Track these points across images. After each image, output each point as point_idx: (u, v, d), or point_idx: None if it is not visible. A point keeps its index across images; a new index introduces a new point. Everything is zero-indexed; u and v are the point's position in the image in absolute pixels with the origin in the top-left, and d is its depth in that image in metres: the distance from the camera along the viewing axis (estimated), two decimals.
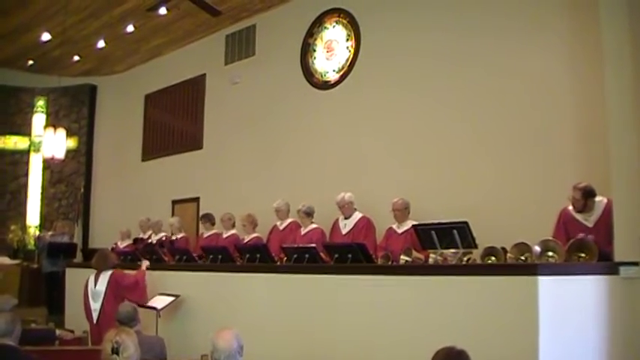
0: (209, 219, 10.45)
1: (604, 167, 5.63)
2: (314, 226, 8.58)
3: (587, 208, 6.17)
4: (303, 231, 8.64)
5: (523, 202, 7.41)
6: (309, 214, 8.63)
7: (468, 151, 8.20)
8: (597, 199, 6.13)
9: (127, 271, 7.80)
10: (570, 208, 6.30)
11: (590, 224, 6.12)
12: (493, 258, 5.78)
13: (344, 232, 8.21)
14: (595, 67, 6.16)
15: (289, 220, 9.14)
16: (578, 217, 6.23)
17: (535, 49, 7.69)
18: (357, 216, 8.24)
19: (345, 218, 8.29)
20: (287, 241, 8.38)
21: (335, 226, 8.41)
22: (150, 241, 10.79)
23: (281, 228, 9.15)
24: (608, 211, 5.76)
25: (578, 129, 7.18)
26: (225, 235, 9.82)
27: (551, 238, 5.85)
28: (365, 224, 8.16)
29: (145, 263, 8.17)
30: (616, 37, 5.37)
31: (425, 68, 8.86)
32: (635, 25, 5.26)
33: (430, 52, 8.81)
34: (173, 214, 12.49)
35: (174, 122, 13.53)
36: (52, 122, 14.12)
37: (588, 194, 6.14)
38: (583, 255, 5.44)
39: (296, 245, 7.68)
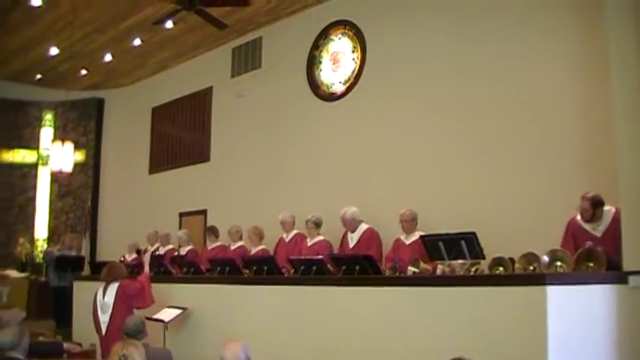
0: (213, 232, 10.47)
1: (611, 176, 5.61)
2: (320, 237, 8.56)
3: (595, 218, 6.15)
4: (309, 242, 8.63)
5: (531, 212, 7.38)
6: (318, 224, 8.62)
7: (475, 161, 8.19)
8: (605, 208, 6.11)
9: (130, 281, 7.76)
10: (578, 217, 6.28)
11: (598, 234, 6.10)
12: (501, 268, 5.75)
13: (351, 245, 8.18)
14: (601, 74, 6.16)
15: (294, 232, 9.13)
16: (587, 226, 6.21)
17: (541, 58, 7.69)
18: (362, 228, 8.21)
19: (352, 232, 8.27)
20: (293, 253, 8.36)
21: (344, 240, 8.39)
22: (157, 253, 10.78)
23: (287, 240, 9.14)
24: (616, 221, 5.73)
25: (585, 138, 7.17)
26: (232, 248, 9.82)
27: (559, 247, 5.83)
28: (369, 235, 8.13)
29: (147, 257, 8.13)
30: (622, 43, 5.36)
31: (431, 79, 8.86)
32: None
33: (436, 63, 8.82)
34: (180, 227, 12.52)
35: (182, 135, 13.57)
36: (60, 136, 14.18)
37: (597, 204, 6.12)
38: (591, 264, 5.41)
39: (303, 257, 7.67)
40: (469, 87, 8.38)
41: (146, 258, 8.11)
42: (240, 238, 9.87)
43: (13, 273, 13.69)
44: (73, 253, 12.64)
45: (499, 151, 7.96)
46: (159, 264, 9.46)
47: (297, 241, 8.96)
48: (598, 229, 6.14)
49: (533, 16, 7.81)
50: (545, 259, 5.47)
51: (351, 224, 8.20)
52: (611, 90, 5.51)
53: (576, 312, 4.72)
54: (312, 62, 10.77)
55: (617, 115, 5.42)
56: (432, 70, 8.87)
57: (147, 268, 7.91)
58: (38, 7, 10.72)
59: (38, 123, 15.69)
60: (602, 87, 6.21)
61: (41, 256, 14.57)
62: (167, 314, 7.82)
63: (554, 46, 7.59)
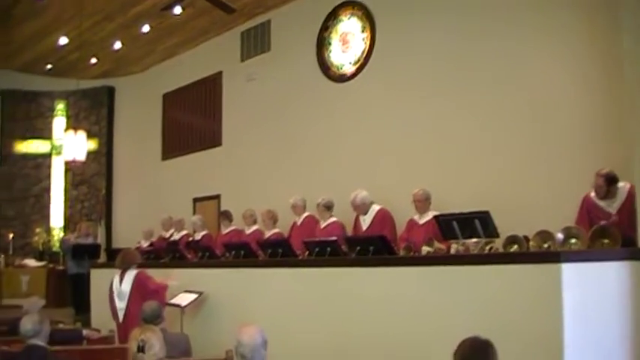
0: (227, 216, 10.51)
1: (625, 152, 5.59)
2: (333, 219, 8.57)
3: (610, 195, 6.13)
4: (322, 225, 8.64)
5: (545, 190, 7.35)
6: (329, 207, 8.63)
7: (487, 139, 8.14)
8: (620, 184, 6.09)
9: (150, 275, 7.78)
10: (593, 194, 6.26)
11: (613, 210, 6.09)
12: (515, 246, 5.75)
13: (365, 227, 8.17)
14: (615, 54, 6.09)
15: (305, 215, 9.15)
16: (601, 203, 6.19)
17: (553, 39, 7.62)
18: (374, 209, 8.19)
19: (364, 214, 8.26)
20: (305, 235, 8.36)
21: (357, 223, 8.38)
22: (172, 239, 10.85)
23: (299, 223, 9.16)
24: (631, 197, 5.70)
25: (598, 114, 7.11)
26: (247, 232, 9.85)
27: (573, 225, 5.82)
28: (382, 216, 8.11)
29: (174, 278, 8.05)
30: (636, 26, 5.30)
31: (440, 59, 8.80)
32: None
33: (447, 42, 8.75)
34: (194, 212, 12.56)
35: (193, 120, 13.58)
36: (73, 125, 14.24)
37: (611, 180, 6.10)
38: (606, 241, 5.40)
39: (317, 239, 7.68)
40: (481, 65, 8.31)
41: (171, 281, 8.03)
42: (255, 222, 9.89)
43: (31, 262, 13.85)
44: (90, 240, 12.75)
45: (512, 129, 7.91)
46: (174, 250, 9.53)
47: (309, 224, 8.97)
48: (612, 206, 6.12)
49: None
50: (560, 236, 5.47)
51: (361, 208, 8.19)
52: (624, 68, 5.46)
53: (591, 289, 4.71)
54: (322, 44, 10.72)
55: (631, 91, 5.38)
56: (443, 49, 8.80)
57: (169, 283, 7.85)
58: None
59: (50, 113, 15.77)
60: (615, 64, 6.15)
61: (58, 244, 14.69)
62: (183, 299, 7.88)
63: (565, 28, 7.51)
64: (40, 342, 4.68)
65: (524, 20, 7.91)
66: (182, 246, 10.01)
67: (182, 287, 8.06)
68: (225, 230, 10.39)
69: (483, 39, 8.32)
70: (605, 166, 6.18)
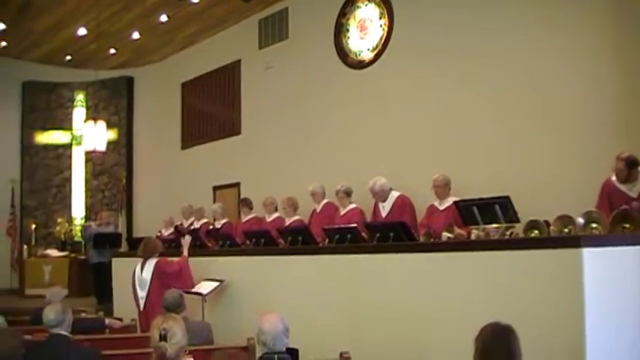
0: (247, 203, 10.52)
1: None
2: (353, 206, 8.56)
3: (631, 178, 6.08)
4: (342, 211, 8.63)
5: (565, 175, 7.31)
6: (348, 193, 8.61)
7: (508, 125, 8.09)
8: None
9: (170, 259, 7.86)
10: (614, 178, 6.21)
11: (634, 194, 6.04)
12: (536, 231, 5.72)
13: (384, 214, 8.14)
14: (636, 38, 6.02)
15: (324, 202, 9.15)
16: (622, 187, 6.14)
17: (574, 21, 7.54)
18: (393, 196, 8.15)
19: (383, 201, 8.24)
20: (325, 222, 8.36)
21: (376, 209, 8.36)
22: (192, 227, 10.90)
23: (318, 211, 9.17)
24: None
25: (619, 99, 7.05)
26: (268, 219, 9.87)
27: (594, 209, 5.77)
28: (401, 202, 8.07)
29: (187, 241, 8.16)
30: None
31: (460, 43, 8.74)
32: None
33: (465, 26, 8.69)
34: (214, 201, 12.62)
35: (212, 109, 13.62)
36: (92, 115, 14.37)
37: (632, 164, 6.05)
38: (627, 226, 5.35)
39: (337, 226, 7.68)
40: (500, 49, 8.26)
41: (185, 242, 8.15)
42: (276, 210, 9.90)
43: (53, 252, 14.01)
44: (111, 229, 12.85)
45: (532, 114, 7.86)
46: (195, 238, 9.57)
47: (329, 211, 8.97)
48: (633, 190, 6.07)
49: None
50: (581, 221, 5.42)
51: (380, 195, 8.15)
52: None
53: (612, 274, 4.67)
54: (340, 30, 10.69)
55: None
56: (460, 34, 8.75)
57: (185, 252, 7.95)
58: None
59: (70, 104, 15.91)
60: (636, 48, 6.10)
61: (80, 233, 14.83)
62: (205, 287, 7.91)
63: (585, 15, 7.43)
64: (62, 331, 4.72)
65: (541, 10, 7.83)
66: (203, 234, 10.04)
67: (204, 275, 8.11)
68: (245, 218, 10.42)
69: (503, 25, 8.25)
70: (625, 150, 6.12)
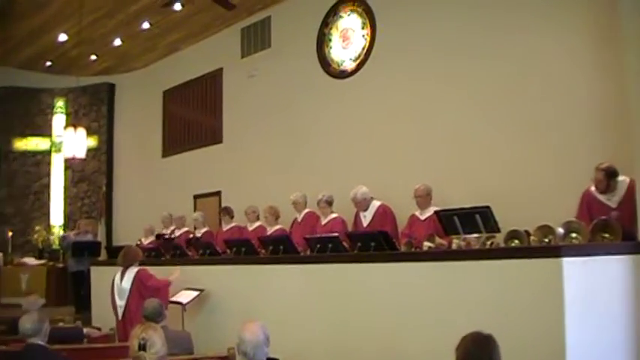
0: (228, 212, 10.50)
1: (626, 147, 5.58)
2: (334, 215, 8.56)
3: (610, 189, 6.12)
4: (323, 221, 8.63)
5: (545, 185, 7.34)
6: (330, 202, 8.61)
7: (488, 135, 8.14)
8: (620, 179, 6.08)
9: (152, 272, 7.75)
10: (593, 189, 6.25)
11: (613, 204, 6.07)
12: (517, 241, 5.76)
13: (365, 224, 8.16)
14: (615, 47, 6.09)
15: (305, 211, 9.14)
16: (602, 197, 6.18)
17: (554, 31, 7.60)
18: (374, 205, 8.18)
19: (364, 211, 8.25)
20: (306, 232, 8.35)
21: (357, 219, 8.38)
22: (173, 236, 10.84)
23: (299, 220, 9.16)
24: (631, 191, 5.69)
25: (599, 109, 7.10)
26: (250, 228, 9.84)
27: (574, 219, 5.81)
28: (383, 212, 8.10)
29: (176, 274, 8.01)
30: (634, 16, 5.29)
31: (442, 53, 8.79)
32: None
33: (447, 37, 8.74)
34: (195, 209, 12.56)
35: (194, 117, 13.58)
36: (72, 122, 14.22)
37: (611, 174, 6.09)
38: (607, 235, 5.40)
39: (318, 235, 7.68)
40: (480, 61, 8.30)
41: (175, 277, 7.98)
42: (257, 219, 9.89)
43: (31, 260, 13.83)
44: (89, 237, 12.74)
45: (512, 124, 7.90)
46: (175, 246, 9.52)
47: (310, 220, 8.97)
48: (613, 200, 6.11)
49: None
50: (561, 230, 5.46)
51: (362, 204, 8.17)
52: (625, 61, 5.45)
53: (592, 283, 4.70)
54: (322, 40, 10.71)
55: (630, 85, 5.36)
56: (442, 45, 8.79)
57: (171, 279, 7.78)
58: None
59: (50, 110, 15.78)
60: (616, 57, 6.15)
61: (58, 242, 14.69)
62: (185, 296, 7.87)
63: (568, 18, 7.50)
64: (39, 341, 4.66)
65: (526, 15, 7.90)
66: (183, 243, 9.99)
67: (184, 284, 8.06)
68: (226, 227, 10.38)
69: (484, 35, 8.30)
70: (605, 161, 6.17)
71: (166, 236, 10.71)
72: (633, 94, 5.33)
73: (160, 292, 7.39)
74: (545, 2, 7.71)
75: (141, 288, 7.38)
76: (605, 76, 6.99)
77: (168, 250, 9.52)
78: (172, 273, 8.00)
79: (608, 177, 6.10)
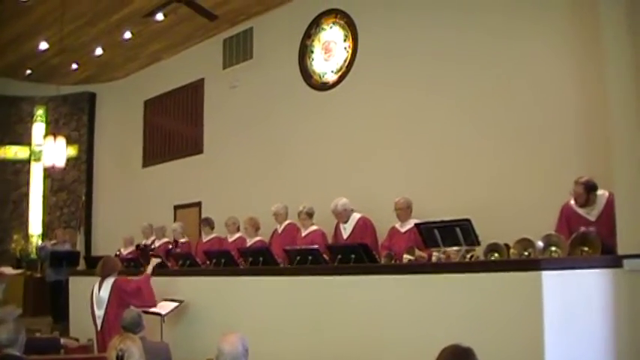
0: (208, 223, 10.45)
1: (605, 161, 5.64)
2: (314, 227, 8.55)
3: (589, 202, 6.16)
4: (303, 233, 8.62)
5: (525, 198, 7.39)
6: (310, 214, 8.60)
7: (469, 148, 8.18)
8: (599, 192, 6.13)
9: (130, 278, 7.73)
10: (572, 202, 6.29)
11: (592, 218, 6.12)
12: (496, 254, 5.78)
13: (345, 236, 8.17)
14: (597, 63, 6.15)
15: (286, 223, 9.13)
16: (581, 211, 6.22)
17: (536, 46, 7.67)
18: (354, 217, 8.20)
19: (344, 223, 8.26)
20: (286, 243, 8.33)
21: (337, 231, 8.39)
22: (153, 246, 10.78)
23: (279, 231, 9.14)
24: (610, 205, 5.74)
25: (579, 124, 7.17)
26: (230, 239, 9.81)
27: (553, 232, 5.85)
28: (363, 224, 8.13)
29: (154, 262, 8.05)
30: (616, 32, 5.36)
31: (423, 67, 8.85)
32: (634, 22, 5.25)
33: (428, 50, 8.80)
34: (175, 220, 12.50)
35: (175, 127, 13.53)
36: (52, 131, 14.09)
37: (590, 188, 6.14)
38: (586, 249, 5.44)
39: (298, 247, 7.67)
40: (463, 74, 8.37)
41: (152, 262, 8.01)
42: (238, 230, 9.85)
43: (8, 270, 13.63)
44: (67, 247, 12.62)
45: (493, 139, 7.96)
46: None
47: (290, 231, 8.95)
48: (592, 214, 6.15)
49: (528, 6, 7.78)
50: (540, 244, 5.49)
51: (342, 215, 8.19)
52: (606, 76, 5.51)
53: (572, 296, 4.73)
54: (304, 52, 10.74)
55: (610, 100, 5.42)
56: (424, 57, 8.85)
57: (149, 270, 7.82)
58: (27, 1, 10.65)
59: (30, 118, 15.64)
60: (597, 73, 6.21)
61: (35, 251, 14.55)
62: (164, 307, 7.82)
63: (550, 35, 7.57)
64: (15, 352, 4.60)
65: (509, 30, 7.97)
66: (163, 253, 9.93)
67: (163, 295, 8.00)
68: (206, 238, 10.34)
69: (466, 50, 8.36)
70: (584, 174, 6.22)
71: (151, 247, 10.65)
72: (613, 109, 5.39)
73: (143, 291, 7.38)
74: (530, 17, 7.77)
75: (121, 295, 7.29)
76: (585, 91, 7.06)
77: (147, 261, 9.44)
78: (148, 265, 7.99)
79: (587, 191, 6.14)
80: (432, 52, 8.74)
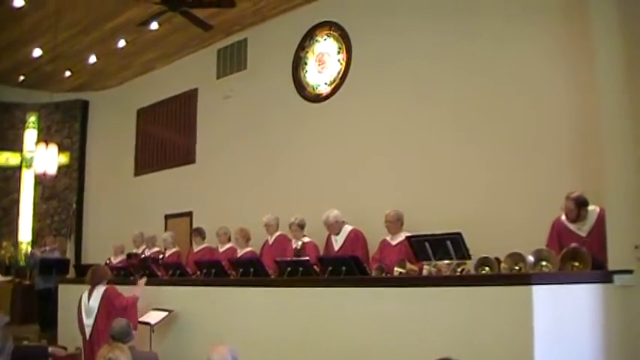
0: (199, 233, 10.44)
1: (596, 176, 5.67)
2: (306, 239, 8.53)
3: (580, 218, 6.19)
4: (295, 244, 8.59)
5: (516, 213, 7.41)
6: (302, 226, 8.59)
7: (461, 161, 8.20)
8: (590, 208, 6.16)
9: (120, 291, 7.63)
10: (563, 217, 6.32)
11: (583, 233, 6.14)
12: (487, 268, 5.78)
13: (336, 248, 8.17)
14: (590, 75, 6.17)
15: (277, 234, 9.12)
16: (572, 226, 6.24)
17: (529, 56, 7.71)
18: (346, 230, 8.21)
19: (336, 235, 8.25)
20: (277, 254, 8.31)
21: (328, 242, 8.38)
22: (143, 256, 10.73)
23: (270, 242, 9.12)
24: (601, 220, 5.76)
25: (571, 139, 7.20)
26: (221, 250, 9.78)
27: (544, 247, 5.85)
28: (354, 236, 8.13)
29: (142, 282, 8.02)
30: (608, 43, 5.40)
31: (416, 80, 8.88)
32: (626, 26, 5.28)
33: (421, 63, 8.83)
34: (166, 229, 12.46)
35: (167, 136, 13.52)
36: (44, 138, 14.05)
37: (581, 204, 6.16)
38: (577, 264, 5.45)
39: (289, 259, 7.66)
40: (456, 87, 8.40)
41: (140, 284, 7.95)
42: (229, 240, 9.83)
43: None
44: (56, 255, 12.56)
45: (484, 152, 7.98)
46: (145, 267, 9.41)
47: (280, 242, 8.95)
48: (583, 229, 6.17)
49: (521, 14, 7.82)
50: (531, 258, 5.50)
51: (334, 227, 8.19)
52: (597, 91, 5.54)
53: (562, 311, 4.74)
54: (298, 63, 10.76)
55: (602, 115, 5.46)
56: (417, 71, 8.89)
57: (137, 293, 7.72)
58: (21, 7, 10.63)
59: (22, 125, 15.58)
60: (588, 87, 6.25)
61: (24, 259, 14.47)
62: (153, 317, 7.78)
63: (543, 44, 7.60)
64: None
65: (501, 41, 8.01)
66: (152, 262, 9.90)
67: (153, 305, 7.97)
68: (197, 248, 10.31)
69: (458, 66, 8.40)
70: (576, 190, 6.24)
71: (144, 256, 10.59)
72: (605, 124, 5.42)
73: (128, 312, 7.29)
74: (523, 26, 7.80)
75: (109, 306, 7.27)
76: (577, 106, 7.10)
77: (137, 270, 9.41)
78: (138, 286, 7.93)
79: (578, 206, 6.17)
80: (426, 65, 8.78)
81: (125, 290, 7.77)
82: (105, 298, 7.31)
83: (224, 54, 12.16)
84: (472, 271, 5.90)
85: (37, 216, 15.38)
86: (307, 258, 7.20)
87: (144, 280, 8.10)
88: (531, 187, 7.42)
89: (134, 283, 8.03)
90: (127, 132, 14.48)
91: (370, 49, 9.62)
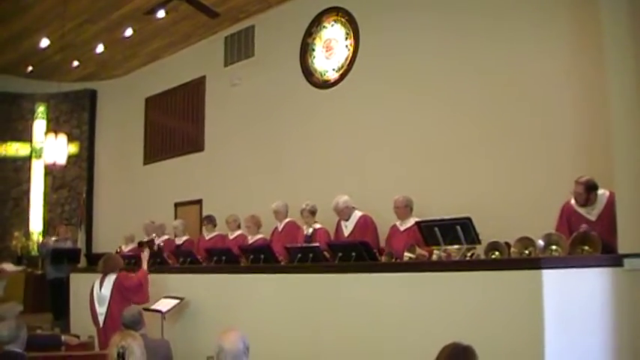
0: (211, 221, 10.44)
1: (605, 160, 5.65)
2: (318, 226, 8.54)
3: (589, 202, 6.17)
4: (306, 230, 8.60)
5: (526, 197, 7.39)
6: (313, 212, 8.56)
7: (470, 146, 8.18)
8: (599, 192, 6.13)
9: (130, 274, 7.74)
10: (573, 202, 6.30)
11: (592, 217, 6.12)
12: (497, 253, 5.77)
13: (346, 233, 8.17)
14: (596, 59, 6.16)
15: (286, 220, 9.12)
16: (581, 210, 6.23)
17: (537, 44, 7.67)
18: (356, 215, 8.20)
19: (346, 220, 8.26)
20: (286, 241, 8.32)
21: (338, 228, 8.38)
22: (158, 244, 10.76)
23: (280, 229, 9.14)
24: (610, 204, 5.75)
25: (580, 122, 7.17)
26: (231, 237, 9.80)
27: (554, 231, 5.85)
28: (364, 222, 8.12)
29: (145, 255, 8.08)
30: (617, 31, 5.37)
31: (424, 65, 8.85)
32: (636, 22, 5.25)
33: (429, 49, 8.80)
34: (176, 217, 12.50)
35: (175, 125, 13.53)
36: (53, 128, 14.09)
37: (591, 188, 6.14)
38: (587, 248, 5.45)
39: (299, 245, 7.67)
40: (464, 72, 8.36)
41: (144, 256, 8.06)
42: (239, 227, 9.84)
43: (9, 266, 13.67)
44: (68, 244, 12.62)
45: (495, 137, 7.96)
46: (156, 254, 9.44)
47: (291, 229, 8.95)
48: (592, 213, 6.16)
49: (528, 8, 7.78)
50: (541, 243, 5.49)
51: (344, 212, 8.19)
52: (606, 75, 5.52)
53: (572, 295, 4.74)
54: (306, 50, 10.73)
55: (611, 99, 5.43)
56: (425, 56, 8.85)
57: (145, 266, 7.87)
58: None
59: (31, 115, 15.65)
60: (597, 71, 6.23)
61: (36, 248, 14.55)
62: (164, 305, 7.83)
63: (547, 31, 7.58)
64: (16, 348, 4.62)
65: (510, 28, 7.97)
66: (164, 251, 9.93)
67: (164, 292, 8.02)
68: (208, 235, 10.33)
69: (468, 45, 8.36)
70: (585, 174, 6.22)
71: (157, 243, 10.60)
72: (614, 108, 5.39)
73: (142, 288, 7.45)
74: (530, 16, 7.77)
75: (122, 290, 7.33)
76: (586, 90, 7.07)
77: (151, 259, 9.43)
78: (142, 259, 8.03)
79: (587, 190, 6.15)
80: (433, 50, 8.74)
81: None
82: (116, 285, 7.35)
83: (231, 41, 12.14)
84: (482, 256, 5.89)
85: (48, 206, 15.47)
86: (317, 244, 7.21)
87: (147, 252, 8.15)
88: (541, 172, 7.40)
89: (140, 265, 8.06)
90: (136, 121, 14.50)
91: (378, 34, 9.58)
